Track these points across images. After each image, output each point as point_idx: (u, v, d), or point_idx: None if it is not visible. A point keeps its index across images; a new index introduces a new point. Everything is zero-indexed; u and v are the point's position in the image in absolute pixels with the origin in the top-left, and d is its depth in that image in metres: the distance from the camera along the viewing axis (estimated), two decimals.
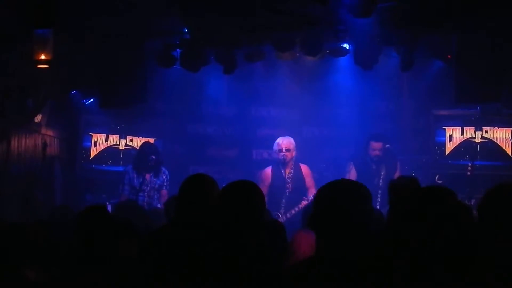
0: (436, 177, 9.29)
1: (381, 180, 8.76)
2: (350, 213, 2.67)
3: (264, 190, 8.39)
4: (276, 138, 8.87)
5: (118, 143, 10.56)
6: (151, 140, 9.73)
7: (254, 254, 3.23)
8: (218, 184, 3.97)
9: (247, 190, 3.40)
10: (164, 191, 8.91)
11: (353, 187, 2.81)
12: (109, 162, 10.42)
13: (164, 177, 8.99)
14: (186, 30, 9.00)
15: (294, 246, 5.13)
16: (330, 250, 2.68)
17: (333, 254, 2.66)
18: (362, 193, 2.77)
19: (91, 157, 10.50)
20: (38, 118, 9.24)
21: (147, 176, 8.82)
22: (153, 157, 8.84)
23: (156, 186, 8.90)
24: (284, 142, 8.69)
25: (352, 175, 8.95)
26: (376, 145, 8.99)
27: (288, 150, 8.63)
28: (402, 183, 5.34)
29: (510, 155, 9.68)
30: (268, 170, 8.83)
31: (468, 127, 9.91)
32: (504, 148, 9.73)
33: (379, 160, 8.97)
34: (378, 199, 8.55)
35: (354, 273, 2.58)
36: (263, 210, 3.44)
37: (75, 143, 10.51)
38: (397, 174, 8.66)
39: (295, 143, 8.78)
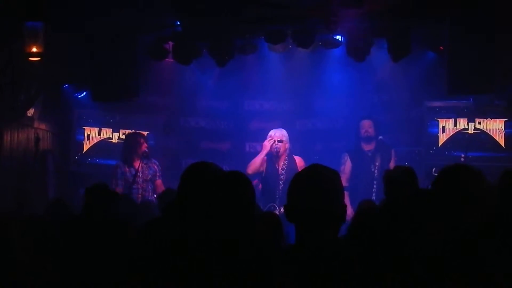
0: (433, 170, 9.29)
1: (376, 170, 8.76)
2: (318, 201, 2.67)
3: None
4: (269, 131, 8.87)
5: (111, 136, 10.53)
6: (144, 133, 9.69)
7: (245, 246, 3.22)
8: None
9: (236, 180, 3.39)
10: (159, 181, 8.86)
11: (322, 175, 2.80)
12: (102, 156, 10.40)
13: (155, 167, 8.91)
14: (178, 23, 8.99)
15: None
16: (304, 238, 2.69)
17: (306, 243, 2.67)
18: (336, 182, 2.77)
19: (84, 150, 10.47)
20: (30, 112, 9.21)
21: (138, 167, 8.74)
22: (143, 143, 8.81)
23: (148, 176, 8.82)
24: (277, 133, 8.68)
25: (347, 166, 8.98)
26: (366, 123, 9.04)
27: (280, 141, 8.61)
28: (397, 173, 5.37)
29: (503, 146, 9.69)
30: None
31: (461, 119, 9.91)
32: (496, 139, 9.74)
33: (371, 139, 8.99)
34: (374, 189, 8.57)
35: (329, 261, 2.59)
36: (254, 200, 3.42)
37: (68, 137, 10.48)
38: (391, 164, 8.72)
39: (288, 135, 8.77)
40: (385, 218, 2.96)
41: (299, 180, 2.80)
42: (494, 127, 9.78)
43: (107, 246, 4.03)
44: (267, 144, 8.64)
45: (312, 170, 2.83)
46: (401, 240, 2.80)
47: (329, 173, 2.81)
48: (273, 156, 8.65)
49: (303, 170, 2.87)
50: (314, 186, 2.72)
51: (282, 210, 8.28)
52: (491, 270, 2.62)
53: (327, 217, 2.66)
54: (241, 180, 3.41)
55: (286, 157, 8.69)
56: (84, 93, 10.11)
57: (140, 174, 8.74)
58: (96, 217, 4.96)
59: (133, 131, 9.63)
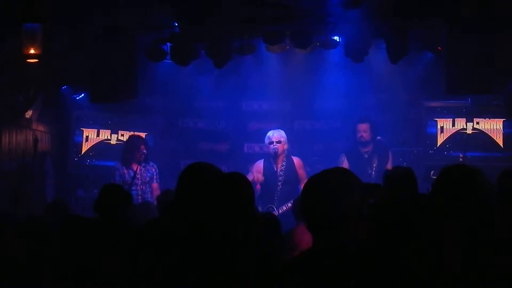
0: (432, 173, 9.28)
1: (373, 171, 8.77)
2: (337, 204, 2.65)
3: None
4: (267, 132, 8.86)
5: (109, 138, 10.54)
6: (143, 135, 9.68)
7: (243, 247, 3.22)
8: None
9: (235, 181, 3.38)
10: (155, 184, 8.87)
11: (342, 177, 2.78)
12: (101, 157, 10.39)
13: (153, 170, 8.94)
14: (176, 24, 8.98)
15: (296, 240, 5.08)
16: (323, 242, 2.67)
17: (326, 246, 2.65)
18: (350, 183, 2.75)
19: (83, 152, 10.48)
20: (29, 114, 9.22)
21: (137, 169, 8.76)
22: (142, 148, 8.82)
23: (147, 179, 8.84)
24: (275, 134, 8.67)
25: (344, 167, 8.95)
26: (362, 127, 9.03)
27: (279, 142, 8.61)
28: (397, 173, 5.36)
29: (501, 146, 9.71)
30: (260, 163, 8.80)
31: (459, 119, 9.94)
32: (495, 139, 9.76)
33: (367, 143, 8.98)
34: None
35: (348, 263, 2.58)
36: (253, 201, 3.42)
37: (66, 138, 10.48)
38: (389, 165, 8.69)
39: (286, 136, 8.76)
40: (385, 218, 2.96)
41: (308, 183, 2.78)
42: (492, 127, 9.80)
43: (109, 246, 4.02)
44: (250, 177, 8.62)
45: (323, 173, 2.80)
46: (401, 240, 2.80)
47: (339, 175, 2.78)
48: (271, 157, 8.65)
49: (316, 174, 2.83)
50: (320, 189, 2.70)
51: (280, 211, 8.29)
52: (491, 270, 2.62)
53: (330, 219, 2.65)
54: (240, 180, 3.41)
55: (284, 158, 8.69)
56: (83, 95, 10.13)
57: (139, 176, 8.75)
58: (111, 219, 4.93)
59: (134, 133, 9.64)
